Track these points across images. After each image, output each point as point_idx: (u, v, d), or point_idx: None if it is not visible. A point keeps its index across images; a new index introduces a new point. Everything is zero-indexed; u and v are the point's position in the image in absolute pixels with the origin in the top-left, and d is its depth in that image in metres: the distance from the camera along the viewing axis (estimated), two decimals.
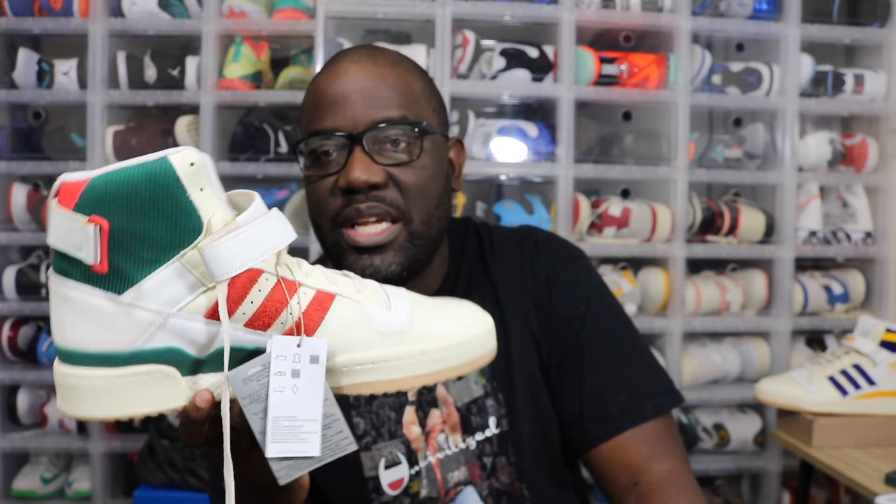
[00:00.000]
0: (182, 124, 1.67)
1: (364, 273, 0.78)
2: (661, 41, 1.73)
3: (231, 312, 0.54)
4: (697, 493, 0.82)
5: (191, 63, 1.67)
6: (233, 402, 0.55)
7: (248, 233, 0.52)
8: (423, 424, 0.87)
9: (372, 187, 0.78)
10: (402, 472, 0.86)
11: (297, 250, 1.79)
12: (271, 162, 1.66)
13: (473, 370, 0.61)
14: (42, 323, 1.75)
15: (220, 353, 0.54)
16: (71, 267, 0.52)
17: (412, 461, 0.86)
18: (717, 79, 1.73)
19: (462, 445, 0.86)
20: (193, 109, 1.68)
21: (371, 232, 0.79)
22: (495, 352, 0.63)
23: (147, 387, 0.54)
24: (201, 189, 0.52)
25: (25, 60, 1.68)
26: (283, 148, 1.67)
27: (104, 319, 0.53)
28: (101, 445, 1.67)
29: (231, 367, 0.55)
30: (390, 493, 0.86)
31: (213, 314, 0.54)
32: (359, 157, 0.78)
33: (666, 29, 1.69)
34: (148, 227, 0.51)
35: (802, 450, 1.31)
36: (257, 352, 0.56)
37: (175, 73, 1.68)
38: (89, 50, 1.65)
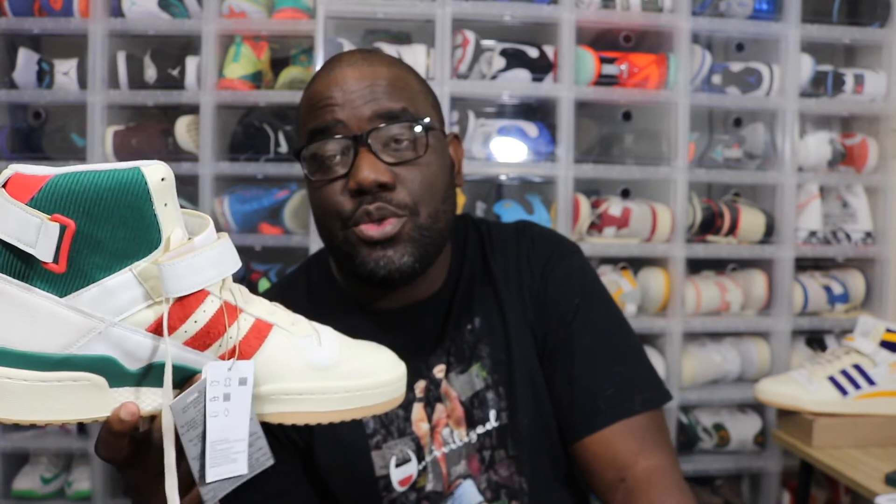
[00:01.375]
0: (182, 124, 1.67)
1: (378, 266, 0.79)
2: (661, 41, 1.72)
3: (178, 325, 0.54)
4: (685, 492, 0.81)
5: (191, 63, 1.67)
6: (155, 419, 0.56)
7: (204, 255, 0.53)
8: (430, 420, 0.87)
9: (381, 186, 0.78)
10: (412, 468, 0.86)
11: (296, 250, 1.78)
12: (271, 162, 1.66)
13: (384, 411, 0.64)
14: None
15: (154, 367, 0.55)
16: (10, 260, 0.50)
17: (420, 457, 0.87)
18: (717, 79, 1.73)
19: (465, 439, 0.87)
20: (193, 109, 1.68)
21: (380, 226, 0.79)
22: (404, 398, 0.66)
23: (72, 394, 0.53)
24: (165, 204, 0.52)
25: (25, 60, 1.68)
26: (283, 148, 1.67)
27: (40, 319, 0.51)
28: None
29: (156, 383, 0.55)
30: (399, 489, 0.86)
31: (156, 329, 0.54)
32: (365, 157, 0.78)
33: (666, 29, 1.69)
34: (105, 234, 0.51)
35: (802, 450, 1.31)
36: (188, 371, 0.56)
37: (175, 73, 1.68)
38: (89, 50, 1.64)
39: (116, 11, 1.67)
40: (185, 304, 0.54)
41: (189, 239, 0.53)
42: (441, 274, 0.91)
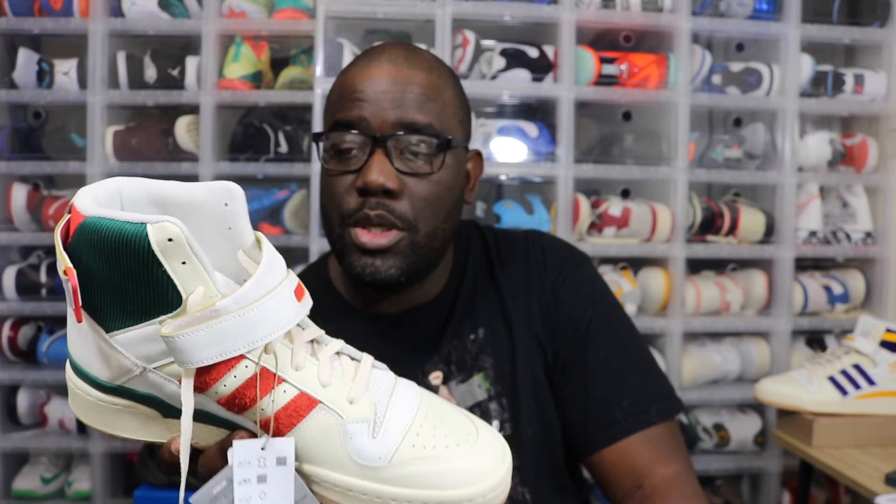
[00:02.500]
0: (182, 124, 1.67)
1: (364, 272, 0.79)
2: (661, 41, 1.72)
3: (206, 387, 0.50)
4: (701, 497, 0.82)
5: (191, 63, 1.67)
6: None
7: (224, 324, 0.47)
8: None
9: (386, 192, 0.77)
10: None
11: (296, 250, 1.78)
12: (271, 162, 1.66)
13: None
14: (42, 323, 1.75)
15: (202, 411, 0.52)
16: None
17: None
18: (717, 79, 1.73)
19: None
20: (193, 109, 1.68)
21: (375, 235, 0.79)
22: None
23: (128, 417, 0.54)
24: (183, 263, 0.46)
25: (25, 60, 1.68)
26: (283, 148, 1.67)
27: (94, 349, 0.52)
28: (101, 445, 1.67)
29: (206, 421, 0.53)
30: None
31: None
32: (379, 159, 0.78)
33: (666, 29, 1.69)
34: (127, 285, 0.48)
35: (802, 450, 1.31)
36: (234, 424, 0.53)
37: (175, 73, 1.68)
38: (89, 50, 1.64)
39: (116, 11, 1.67)
40: (212, 367, 0.49)
41: (212, 302, 0.47)
42: (441, 279, 0.90)
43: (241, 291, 0.47)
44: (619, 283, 1.68)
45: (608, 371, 0.86)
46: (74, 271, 0.47)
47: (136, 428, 0.54)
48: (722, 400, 1.75)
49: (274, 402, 0.50)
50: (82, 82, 1.68)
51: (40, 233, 1.69)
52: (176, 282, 0.47)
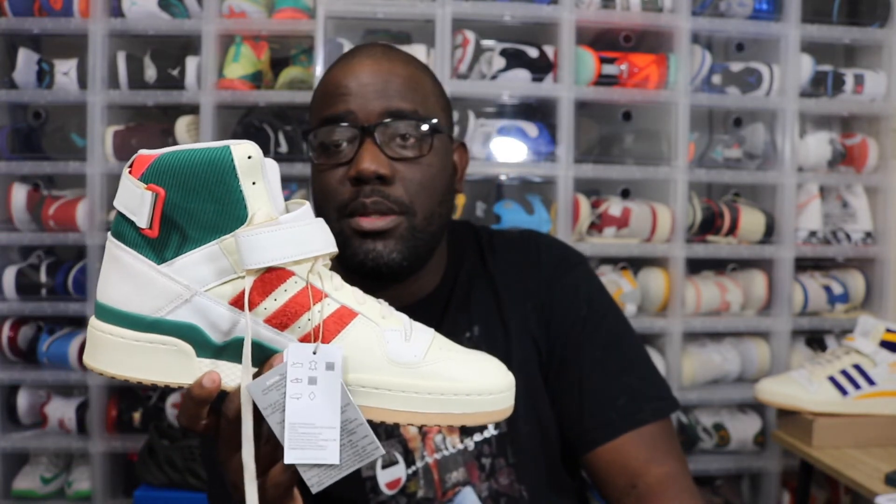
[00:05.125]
0: (182, 124, 1.67)
1: (367, 258, 0.80)
2: (661, 41, 1.72)
3: (253, 305, 0.55)
4: (696, 496, 0.82)
5: (191, 63, 1.67)
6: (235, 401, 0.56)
7: (286, 232, 0.55)
8: None
9: (380, 179, 0.79)
10: (400, 471, 0.86)
11: None
12: None
13: (480, 423, 0.59)
14: (42, 323, 1.75)
15: (239, 342, 0.56)
16: (126, 230, 0.56)
17: (409, 461, 0.86)
18: (717, 79, 1.73)
19: (460, 446, 0.86)
20: (193, 109, 1.68)
21: (374, 219, 0.80)
22: (510, 411, 0.61)
23: (160, 357, 0.56)
24: (254, 183, 0.55)
25: (25, 60, 1.68)
26: (283, 148, 1.67)
27: (139, 282, 0.56)
28: (101, 445, 1.67)
29: (238, 359, 0.56)
30: (387, 492, 0.86)
31: (236, 302, 0.56)
32: (369, 148, 0.79)
33: (666, 29, 1.69)
34: (198, 207, 0.55)
35: (802, 450, 1.31)
36: (269, 350, 0.57)
37: (175, 73, 1.68)
38: (89, 50, 1.65)
39: (116, 11, 1.67)
40: (266, 281, 0.55)
41: (275, 217, 0.55)
42: (434, 277, 0.90)
43: (298, 212, 0.57)
44: (619, 283, 1.68)
45: (603, 370, 0.87)
46: (155, 185, 0.55)
47: (164, 370, 0.56)
48: (722, 400, 1.75)
49: (321, 312, 0.57)
50: (82, 82, 1.68)
51: (40, 233, 1.69)
52: (247, 199, 0.55)
